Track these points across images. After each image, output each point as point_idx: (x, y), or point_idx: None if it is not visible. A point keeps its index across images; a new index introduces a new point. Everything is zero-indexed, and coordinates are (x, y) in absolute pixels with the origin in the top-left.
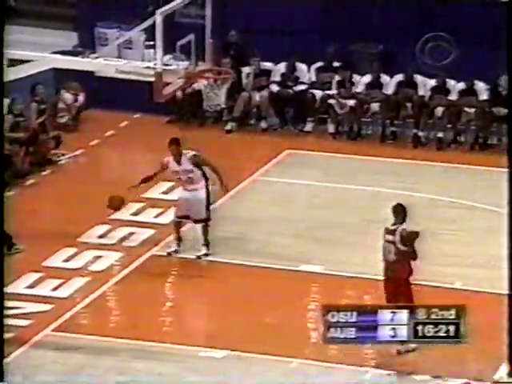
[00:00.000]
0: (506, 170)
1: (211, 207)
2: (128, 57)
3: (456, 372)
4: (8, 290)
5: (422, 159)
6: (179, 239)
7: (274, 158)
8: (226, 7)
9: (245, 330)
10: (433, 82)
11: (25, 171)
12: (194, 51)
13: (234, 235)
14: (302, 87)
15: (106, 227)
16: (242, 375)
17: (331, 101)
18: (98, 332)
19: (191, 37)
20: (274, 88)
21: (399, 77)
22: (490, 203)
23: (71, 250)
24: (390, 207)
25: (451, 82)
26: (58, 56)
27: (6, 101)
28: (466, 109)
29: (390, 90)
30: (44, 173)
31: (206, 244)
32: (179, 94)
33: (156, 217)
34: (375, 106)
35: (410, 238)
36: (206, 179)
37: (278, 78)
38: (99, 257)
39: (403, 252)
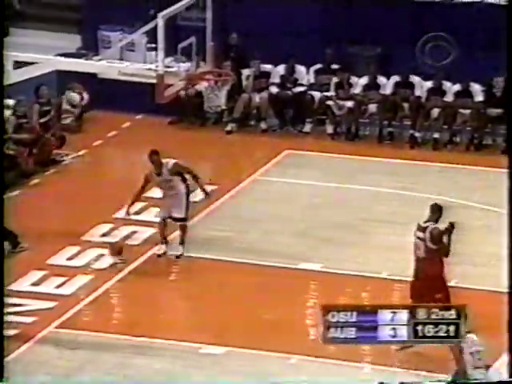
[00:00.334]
0: (500, 169)
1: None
2: (130, 59)
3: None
4: (13, 287)
5: (419, 159)
6: (166, 240)
7: (274, 158)
8: (226, 10)
9: (244, 327)
10: (429, 84)
11: (29, 171)
12: (195, 53)
13: (235, 234)
14: (301, 89)
15: (108, 226)
16: (241, 371)
17: (329, 102)
18: (100, 329)
19: (192, 39)
20: (274, 90)
21: (396, 78)
22: (485, 202)
23: (75, 249)
24: (386, 206)
25: (447, 84)
26: (62, 58)
27: (10, 102)
28: (462, 110)
29: (387, 90)
30: (48, 173)
31: (182, 243)
32: (182, 94)
33: (157, 215)
34: (373, 107)
35: (440, 237)
36: (186, 181)
37: (277, 80)
38: (102, 255)
39: (433, 250)
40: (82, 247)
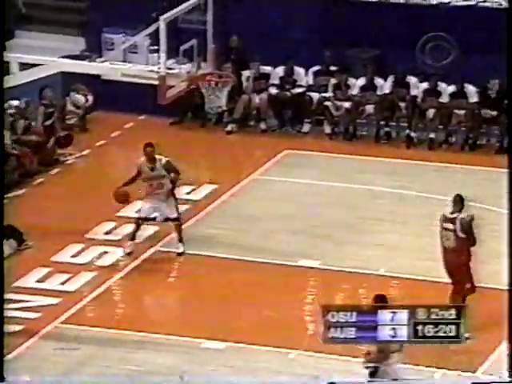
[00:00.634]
0: (493, 168)
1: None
2: (133, 61)
3: (451, 364)
4: (18, 284)
5: (415, 159)
6: (134, 238)
7: (273, 157)
8: (227, 13)
9: (245, 323)
10: (425, 85)
11: (33, 171)
12: (197, 55)
13: (235, 232)
14: (300, 90)
15: (111, 224)
16: (242, 366)
17: (328, 103)
18: (104, 324)
19: (194, 42)
20: (273, 91)
21: (393, 77)
22: (479, 200)
23: (78, 246)
24: (383, 205)
25: (442, 85)
26: (67, 60)
27: (15, 102)
28: (457, 111)
29: (386, 89)
30: (52, 172)
31: (181, 240)
32: (183, 95)
33: None
34: (370, 108)
35: (469, 226)
36: (173, 183)
37: (276, 81)
38: (105, 252)
39: (463, 239)
40: (86, 245)
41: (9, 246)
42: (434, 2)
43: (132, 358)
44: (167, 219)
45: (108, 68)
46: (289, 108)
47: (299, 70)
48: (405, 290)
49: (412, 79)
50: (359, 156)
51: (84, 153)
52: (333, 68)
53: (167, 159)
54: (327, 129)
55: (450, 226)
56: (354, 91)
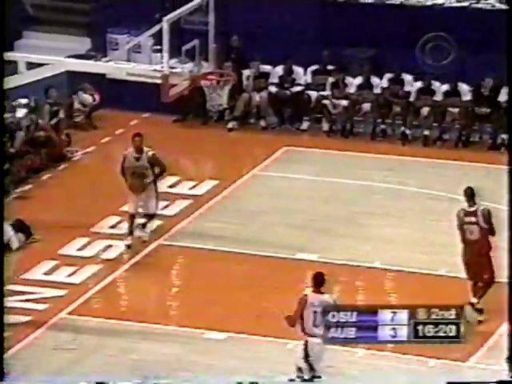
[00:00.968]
0: (486, 165)
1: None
2: (137, 60)
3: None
4: (26, 276)
5: (410, 155)
6: (132, 233)
7: (273, 154)
8: (228, 15)
9: (245, 314)
10: (419, 84)
11: (40, 167)
12: (198, 55)
13: (235, 226)
14: (299, 88)
15: (116, 218)
16: (242, 355)
17: (325, 101)
18: (108, 315)
19: (196, 42)
20: (273, 89)
21: (389, 75)
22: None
23: (84, 240)
24: (379, 200)
25: (436, 84)
26: (73, 60)
27: (24, 101)
28: (450, 109)
29: (382, 85)
30: (59, 168)
31: (144, 226)
32: (186, 94)
33: (163, 209)
34: (366, 106)
35: (490, 217)
36: (156, 177)
37: (276, 80)
38: (110, 246)
39: (486, 230)
40: (91, 238)
41: (17, 239)
42: (429, 3)
43: (136, 348)
44: (145, 215)
45: (113, 67)
46: (288, 106)
47: (298, 69)
48: (399, 283)
49: (407, 77)
50: (356, 152)
51: (90, 149)
52: (331, 67)
53: (153, 152)
54: (325, 126)
55: (473, 218)
56: (351, 90)
